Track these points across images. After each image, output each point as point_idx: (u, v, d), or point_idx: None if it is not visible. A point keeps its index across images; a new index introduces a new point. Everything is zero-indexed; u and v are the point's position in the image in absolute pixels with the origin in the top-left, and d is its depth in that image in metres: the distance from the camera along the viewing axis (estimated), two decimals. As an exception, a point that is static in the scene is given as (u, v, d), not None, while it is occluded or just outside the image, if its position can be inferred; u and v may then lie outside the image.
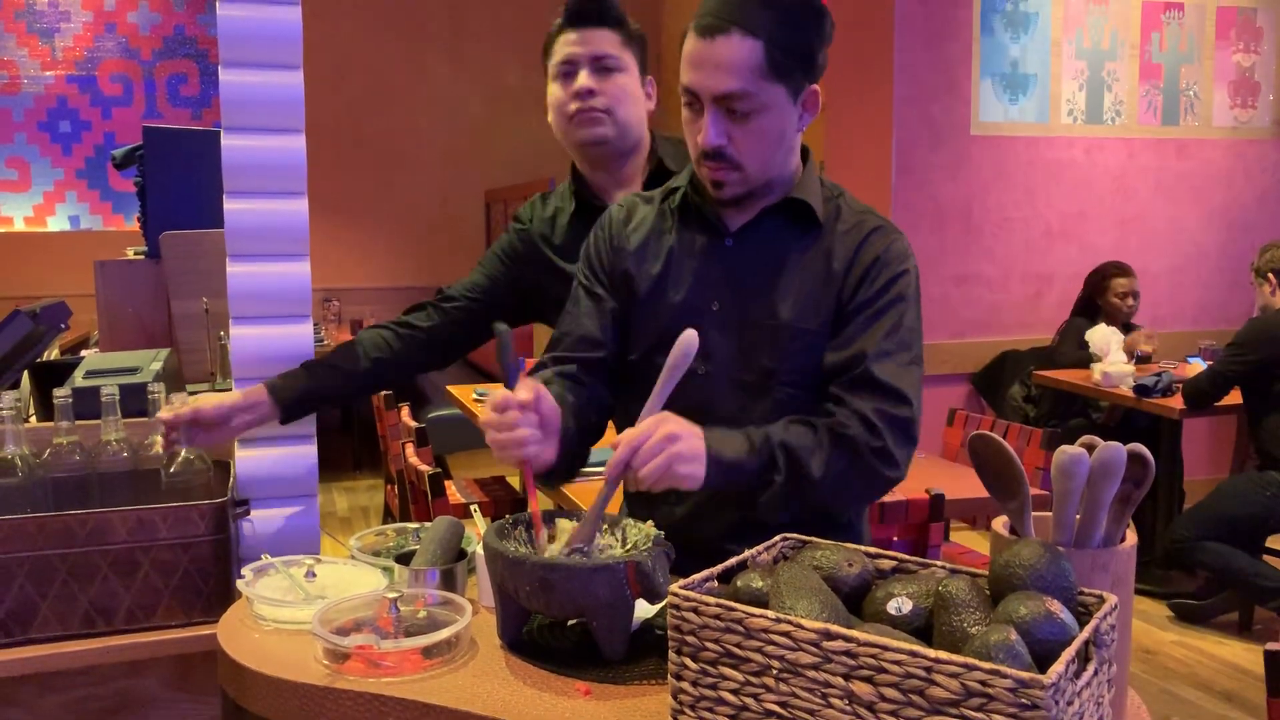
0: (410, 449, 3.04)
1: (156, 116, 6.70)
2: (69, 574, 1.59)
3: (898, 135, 4.78)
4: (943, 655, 0.86)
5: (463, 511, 3.39)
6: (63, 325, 2.20)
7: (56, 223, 6.63)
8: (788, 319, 1.45)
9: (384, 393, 3.86)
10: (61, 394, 1.70)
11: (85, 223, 6.67)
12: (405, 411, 3.41)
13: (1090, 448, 1.09)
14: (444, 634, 1.22)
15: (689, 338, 1.29)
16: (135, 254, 2.76)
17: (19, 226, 6.57)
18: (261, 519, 1.82)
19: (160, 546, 1.61)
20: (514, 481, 4.29)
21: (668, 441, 1.26)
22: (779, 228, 1.48)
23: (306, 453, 1.87)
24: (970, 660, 0.85)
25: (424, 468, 2.78)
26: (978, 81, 4.88)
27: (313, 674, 1.19)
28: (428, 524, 1.53)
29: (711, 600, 0.98)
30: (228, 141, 1.80)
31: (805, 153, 1.52)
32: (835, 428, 1.38)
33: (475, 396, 3.90)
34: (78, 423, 1.70)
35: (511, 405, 1.30)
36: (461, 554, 1.44)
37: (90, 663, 1.63)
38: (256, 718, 1.23)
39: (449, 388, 4.24)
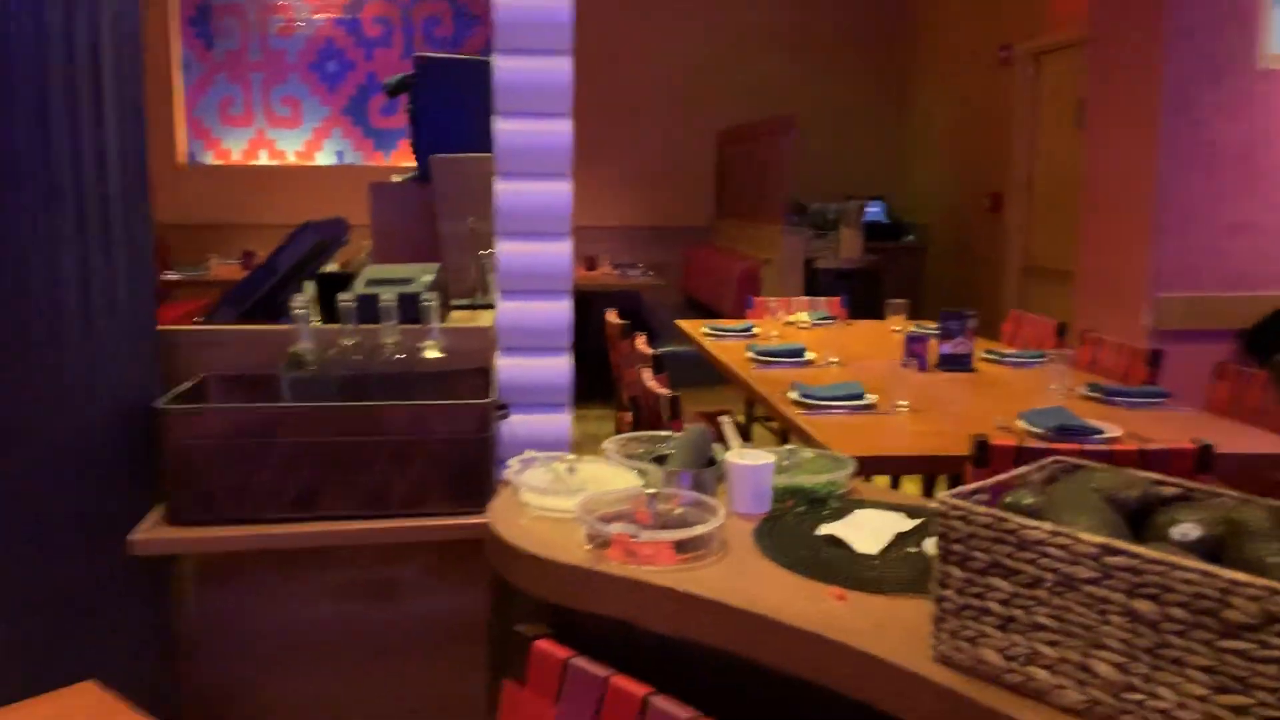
0: (648, 374, 3.11)
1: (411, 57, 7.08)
2: (351, 460, 1.74)
3: (1170, 70, 4.40)
4: (1242, 578, 0.81)
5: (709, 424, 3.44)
6: (344, 239, 2.39)
7: (324, 157, 7.16)
8: None
9: (619, 322, 3.96)
10: (346, 298, 1.85)
11: (349, 158, 7.16)
12: (642, 340, 3.48)
13: None
14: (698, 530, 1.26)
15: None
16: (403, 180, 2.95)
17: (291, 160, 7.15)
18: (519, 423, 1.92)
19: (433, 440, 1.73)
20: (741, 416, 4.33)
21: None
22: None
23: (562, 364, 1.96)
24: (1277, 585, 0.79)
25: (664, 391, 2.84)
26: (1270, 5, 4.41)
27: (577, 557, 1.26)
28: (678, 433, 1.57)
29: (982, 510, 0.97)
30: (500, 63, 1.88)
31: None
32: None
33: (705, 332, 3.95)
34: (359, 326, 1.85)
35: None
36: (711, 461, 1.47)
37: (367, 541, 1.79)
38: (524, 595, 1.31)
39: (678, 322, 4.30)
